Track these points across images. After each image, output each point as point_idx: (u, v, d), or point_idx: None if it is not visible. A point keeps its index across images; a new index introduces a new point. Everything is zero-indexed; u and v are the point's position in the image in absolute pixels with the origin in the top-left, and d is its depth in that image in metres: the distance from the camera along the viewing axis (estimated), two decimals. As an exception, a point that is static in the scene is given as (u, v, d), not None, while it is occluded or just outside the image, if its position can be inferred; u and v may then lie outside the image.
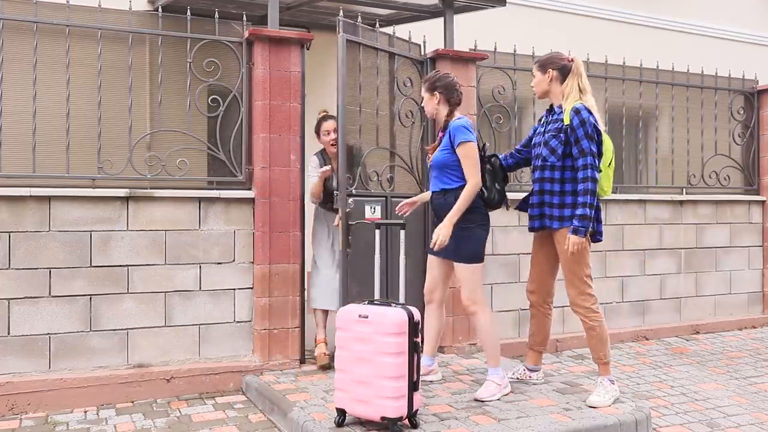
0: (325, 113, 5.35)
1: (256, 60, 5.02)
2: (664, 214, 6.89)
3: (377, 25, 5.38)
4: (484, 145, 4.46)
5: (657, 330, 6.75)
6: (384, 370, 3.62)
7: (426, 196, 4.72)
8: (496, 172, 4.43)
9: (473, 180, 4.22)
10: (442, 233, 4.17)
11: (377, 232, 4.35)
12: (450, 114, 4.37)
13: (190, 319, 4.91)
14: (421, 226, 5.47)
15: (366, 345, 3.69)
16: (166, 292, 4.85)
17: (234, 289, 5.03)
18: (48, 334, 4.57)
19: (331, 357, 4.60)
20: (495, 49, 6.04)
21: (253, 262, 5.06)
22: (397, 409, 3.63)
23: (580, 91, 4.28)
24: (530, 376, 4.64)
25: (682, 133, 7.10)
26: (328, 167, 5.11)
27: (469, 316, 4.48)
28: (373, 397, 3.65)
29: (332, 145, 5.17)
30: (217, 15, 5.01)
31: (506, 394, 4.31)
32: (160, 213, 4.83)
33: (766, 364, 5.84)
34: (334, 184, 4.97)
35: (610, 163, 4.37)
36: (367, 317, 3.71)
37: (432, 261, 4.50)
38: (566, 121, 4.21)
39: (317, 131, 5.33)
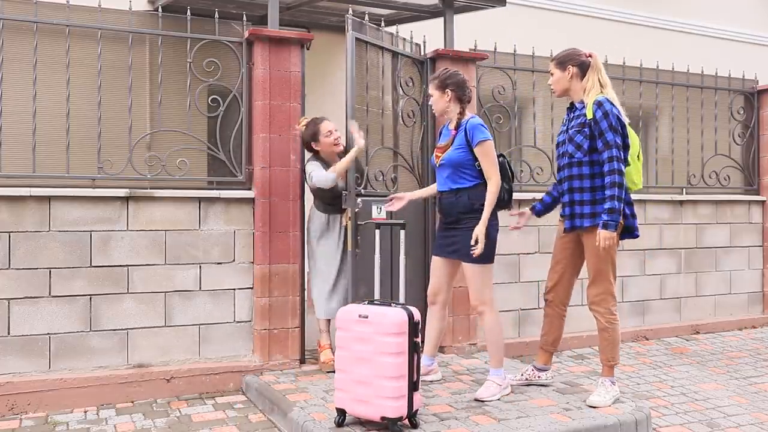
0: (313, 118, 5.07)
1: (256, 60, 5.02)
2: (664, 214, 6.89)
3: (382, 24, 5.38)
4: None
5: (657, 330, 6.75)
6: (384, 370, 3.62)
7: (418, 193, 4.73)
8: (504, 172, 4.38)
9: (495, 178, 4.21)
10: (482, 233, 4.15)
11: (377, 232, 4.34)
12: (462, 112, 4.34)
13: (190, 319, 4.91)
14: (421, 226, 5.48)
15: (366, 345, 3.69)
16: (166, 292, 4.85)
17: (234, 289, 5.03)
18: (48, 334, 4.57)
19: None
20: (495, 49, 6.04)
21: (253, 262, 5.06)
22: (397, 409, 3.63)
23: (601, 85, 4.21)
24: (539, 376, 4.56)
25: (682, 133, 7.10)
26: (362, 139, 4.80)
27: (476, 315, 4.46)
28: (373, 397, 3.65)
29: (336, 144, 5.03)
30: (217, 15, 5.01)
31: (506, 395, 4.31)
32: (160, 213, 4.83)
33: (766, 364, 5.84)
34: (341, 184, 4.94)
35: (638, 156, 4.30)
36: (367, 317, 3.71)
37: (437, 262, 4.47)
38: (589, 115, 4.13)
39: (315, 136, 5.00)
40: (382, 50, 5.26)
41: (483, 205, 4.23)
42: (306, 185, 5.14)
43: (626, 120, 4.20)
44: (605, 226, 4.05)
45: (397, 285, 4.33)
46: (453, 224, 4.32)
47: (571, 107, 4.37)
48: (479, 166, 4.26)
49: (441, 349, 5.47)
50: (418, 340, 3.74)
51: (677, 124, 7.07)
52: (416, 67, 5.65)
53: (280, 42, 5.02)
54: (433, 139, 5.58)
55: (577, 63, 4.25)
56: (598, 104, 4.11)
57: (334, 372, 4.90)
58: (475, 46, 5.91)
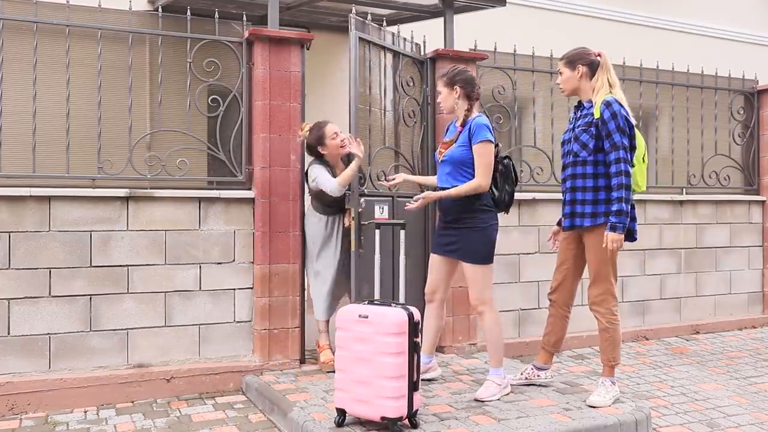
0: (315, 123, 5.05)
1: (256, 60, 5.02)
2: (664, 214, 6.89)
3: (384, 24, 5.38)
4: (497, 145, 4.38)
5: (657, 330, 6.75)
6: (384, 370, 3.62)
7: (419, 179, 4.83)
8: (508, 174, 4.37)
9: (481, 180, 4.19)
10: (429, 197, 4.32)
11: (377, 232, 4.34)
12: (470, 109, 4.34)
13: (190, 319, 4.91)
14: (421, 226, 5.48)
15: (366, 345, 3.69)
16: (166, 292, 4.85)
17: (234, 289, 5.03)
18: (48, 334, 4.57)
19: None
20: (495, 49, 6.04)
21: (253, 262, 5.06)
22: (397, 409, 3.63)
23: (610, 85, 4.18)
24: (538, 375, 4.55)
25: (682, 133, 7.10)
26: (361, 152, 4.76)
27: (476, 315, 4.46)
28: (373, 397, 3.65)
29: (342, 147, 4.97)
30: (217, 15, 5.01)
31: (506, 395, 4.31)
32: (160, 213, 4.83)
33: (766, 364, 5.84)
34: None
35: (643, 158, 4.29)
36: (367, 317, 3.71)
37: (435, 261, 4.47)
38: (596, 115, 4.11)
39: (321, 139, 4.98)
40: (384, 50, 5.26)
41: (483, 204, 4.23)
42: (306, 186, 5.15)
43: (634, 121, 4.17)
44: (613, 228, 4.02)
45: (397, 285, 4.33)
46: (452, 223, 4.32)
47: (579, 106, 4.34)
48: None
49: (441, 349, 5.47)
50: (418, 340, 3.74)
51: (677, 124, 7.07)
52: (416, 67, 5.65)
53: (280, 42, 5.02)
54: (434, 139, 5.59)
55: (587, 62, 4.23)
56: (607, 104, 4.09)
57: (334, 372, 4.91)
58: (475, 46, 5.91)
